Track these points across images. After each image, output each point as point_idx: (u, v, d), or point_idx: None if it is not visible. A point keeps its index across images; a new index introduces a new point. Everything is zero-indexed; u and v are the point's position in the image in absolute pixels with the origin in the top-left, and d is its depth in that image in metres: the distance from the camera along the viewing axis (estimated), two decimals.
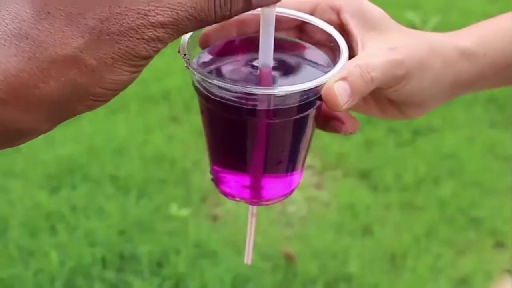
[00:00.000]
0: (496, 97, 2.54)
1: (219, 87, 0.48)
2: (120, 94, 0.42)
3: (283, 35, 0.56)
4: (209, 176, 0.55)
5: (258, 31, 0.55)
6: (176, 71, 2.53)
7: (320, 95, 0.49)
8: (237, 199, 0.54)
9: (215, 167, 0.54)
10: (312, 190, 2.07)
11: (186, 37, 0.52)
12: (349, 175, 2.14)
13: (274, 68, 0.51)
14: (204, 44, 0.54)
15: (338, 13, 0.55)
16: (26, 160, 2.10)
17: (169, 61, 2.50)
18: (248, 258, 0.57)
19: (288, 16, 0.55)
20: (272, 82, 0.51)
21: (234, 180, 0.53)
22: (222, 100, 0.49)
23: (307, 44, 0.55)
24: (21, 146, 2.12)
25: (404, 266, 1.82)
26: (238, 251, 1.77)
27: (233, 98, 0.48)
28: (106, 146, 2.16)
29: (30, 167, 2.06)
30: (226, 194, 0.54)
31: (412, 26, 2.94)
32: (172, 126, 2.31)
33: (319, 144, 2.17)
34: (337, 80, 0.49)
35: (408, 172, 2.14)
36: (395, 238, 1.90)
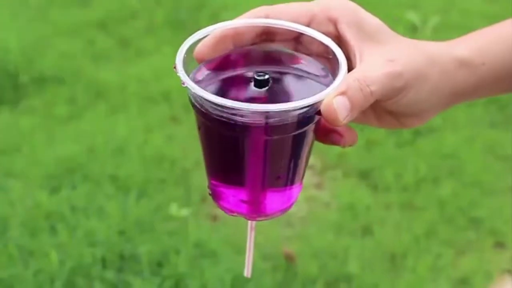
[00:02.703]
0: (496, 97, 2.54)
1: (215, 104, 0.47)
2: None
3: (280, 47, 0.55)
4: (208, 191, 0.55)
5: (254, 43, 0.54)
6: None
7: (319, 110, 0.49)
8: (236, 214, 0.54)
9: (213, 182, 0.54)
10: (312, 190, 2.07)
11: (182, 52, 0.51)
12: (349, 175, 2.14)
13: (272, 83, 0.51)
14: (201, 58, 0.53)
15: (335, 24, 0.54)
16: (26, 160, 2.10)
17: (169, 61, 2.50)
18: (248, 271, 0.56)
19: (285, 28, 0.54)
20: (270, 98, 0.50)
21: (232, 195, 0.53)
22: (219, 117, 0.48)
23: (305, 56, 0.54)
24: (21, 146, 2.11)
25: (404, 266, 1.82)
26: (238, 251, 1.77)
27: (230, 115, 0.48)
28: (106, 146, 2.16)
29: (30, 167, 2.06)
30: (224, 209, 0.54)
31: (412, 26, 2.94)
32: (172, 126, 2.31)
33: (319, 144, 2.16)
34: (336, 95, 0.49)
35: (408, 172, 2.14)
36: (395, 238, 1.90)
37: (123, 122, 2.30)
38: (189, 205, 1.95)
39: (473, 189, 2.09)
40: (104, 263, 1.75)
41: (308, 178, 2.09)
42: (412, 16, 2.98)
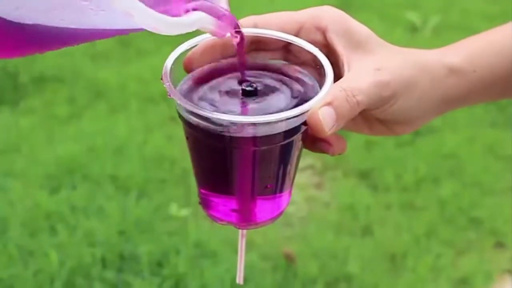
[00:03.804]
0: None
1: (202, 116, 0.47)
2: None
3: (269, 56, 0.55)
4: (198, 199, 0.55)
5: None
6: None
7: (306, 120, 0.49)
8: (226, 223, 0.54)
9: (202, 191, 0.54)
10: (312, 190, 2.07)
11: (169, 63, 0.51)
12: (349, 175, 2.14)
13: (260, 94, 0.51)
14: (189, 68, 0.53)
15: (323, 33, 0.54)
16: (26, 160, 2.10)
17: None
18: (240, 278, 0.56)
19: (274, 37, 0.54)
20: (258, 108, 0.50)
21: (222, 204, 0.53)
22: (206, 129, 0.48)
23: (293, 66, 0.54)
24: (21, 146, 2.10)
25: (404, 266, 1.82)
26: None
27: (216, 127, 0.48)
28: (106, 146, 2.16)
29: (30, 167, 2.06)
30: (214, 218, 0.54)
31: (412, 26, 2.94)
32: (172, 126, 2.31)
33: None
34: (322, 106, 0.49)
35: (408, 172, 2.14)
36: (395, 238, 1.90)
37: (123, 122, 2.30)
38: (189, 205, 1.95)
39: (473, 189, 2.09)
40: (104, 263, 1.75)
41: (308, 178, 2.09)
42: (412, 16, 2.98)
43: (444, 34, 2.85)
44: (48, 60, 2.61)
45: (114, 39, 2.80)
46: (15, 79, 2.52)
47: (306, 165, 2.11)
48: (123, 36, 3.09)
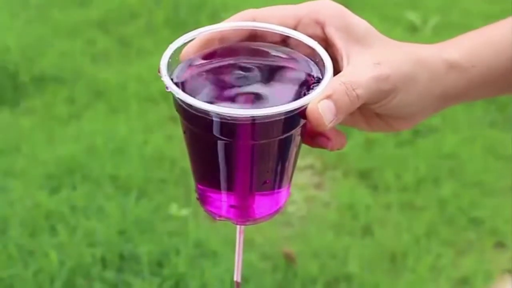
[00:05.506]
0: (496, 97, 2.54)
1: (199, 109, 0.47)
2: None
3: (268, 45, 0.55)
4: (195, 195, 0.54)
5: (239, 41, 0.53)
6: None
7: (305, 114, 0.48)
8: (223, 218, 0.53)
9: (200, 186, 0.53)
10: (312, 190, 2.07)
11: (167, 57, 0.51)
12: (349, 175, 2.14)
13: (260, 83, 0.50)
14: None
15: (322, 27, 0.54)
16: (26, 160, 2.09)
17: None
18: (237, 275, 0.56)
19: (272, 31, 0.53)
20: (255, 101, 0.49)
21: (220, 200, 0.53)
22: (204, 122, 0.48)
23: (296, 55, 0.53)
24: (21, 146, 2.10)
25: (404, 266, 1.82)
26: None
27: (214, 120, 0.47)
28: (106, 146, 2.15)
29: (30, 167, 2.06)
30: (211, 214, 0.54)
31: (412, 26, 2.94)
32: (172, 126, 2.31)
33: None
34: (321, 99, 0.48)
35: (408, 172, 2.14)
36: (395, 238, 1.90)
37: (123, 122, 2.30)
38: (189, 205, 1.95)
39: (473, 189, 2.09)
40: (104, 263, 1.75)
41: (308, 178, 2.09)
42: (412, 16, 2.98)
43: (444, 34, 2.84)
44: (48, 60, 2.61)
45: (114, 39, 2.80)
46: (15, 79, 2.52)
47: (306, 165, 2.11)
48: (123, 36, 3.08)
